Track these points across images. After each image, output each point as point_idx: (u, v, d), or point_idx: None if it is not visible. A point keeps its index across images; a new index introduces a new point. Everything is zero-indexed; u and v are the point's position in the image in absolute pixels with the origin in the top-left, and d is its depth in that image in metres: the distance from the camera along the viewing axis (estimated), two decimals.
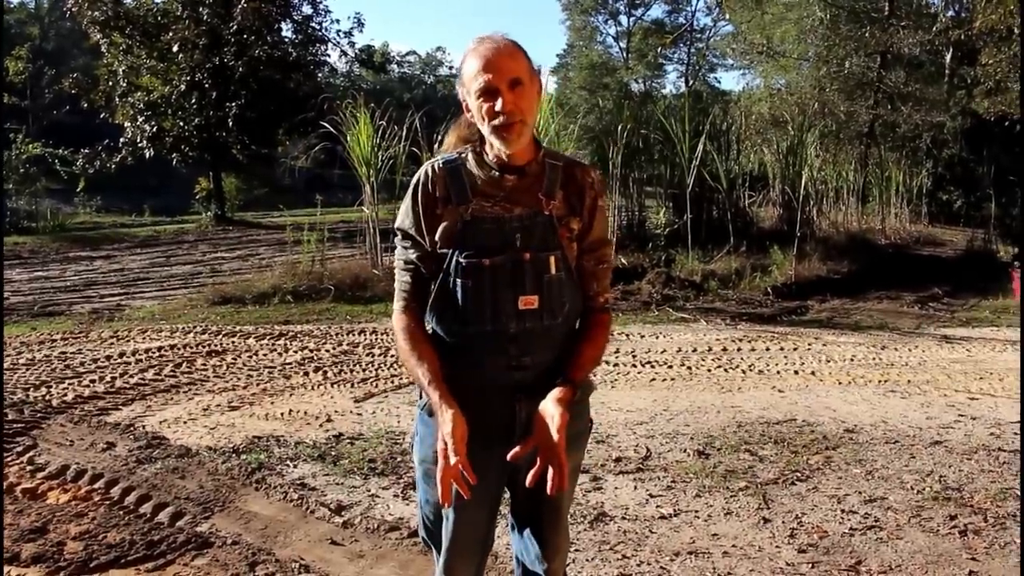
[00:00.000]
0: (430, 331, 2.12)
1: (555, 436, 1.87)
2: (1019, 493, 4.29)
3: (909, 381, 6.92)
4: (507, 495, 2.31)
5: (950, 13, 23.82)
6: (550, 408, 1.92)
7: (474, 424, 1.93)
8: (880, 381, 6.92)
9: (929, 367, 7.52)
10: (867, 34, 23.27)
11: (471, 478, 1.88)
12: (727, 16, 31.90)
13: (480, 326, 2.03)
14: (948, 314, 11.14)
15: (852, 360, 7.78)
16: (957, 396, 6.45)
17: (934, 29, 21.88)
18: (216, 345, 8.10)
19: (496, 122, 1.96)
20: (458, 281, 2.03)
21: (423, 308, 2.13)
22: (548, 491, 1.87)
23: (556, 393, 1.95)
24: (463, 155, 2.11)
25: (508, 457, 1.94)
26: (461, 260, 2.02)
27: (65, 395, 6.16)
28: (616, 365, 7.43)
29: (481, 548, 2.26)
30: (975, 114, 23.09)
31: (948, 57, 26.03)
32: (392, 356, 7.58)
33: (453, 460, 1.85)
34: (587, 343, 2.14)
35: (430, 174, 2.09)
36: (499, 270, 2.02)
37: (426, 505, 2.25)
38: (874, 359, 7.86)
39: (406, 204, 2.12)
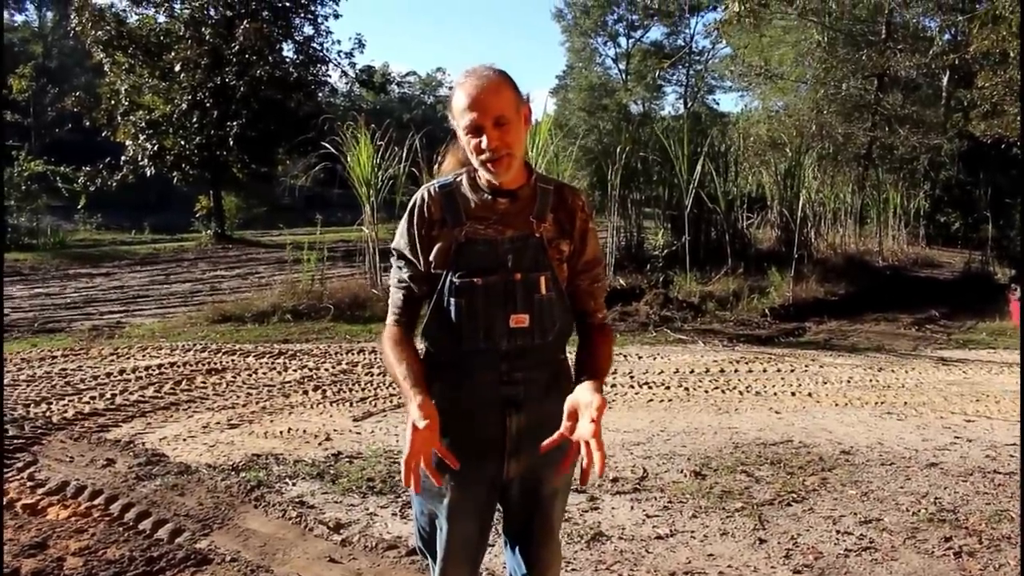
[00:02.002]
0: (423, 349, 2.20)
1: (592, 422, 1.86)
2: (1014, 515, 4.32)
3: (905, 403, 6.95)
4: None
5: (946, 37, 23.96)
6: (586, 396, 1.93)
7: (466, 438, 2.04)
8: (876, 403, 6.95)
9: (925, 389, 7.55)
10: (864, 57, 23.41)
11: (452, 463, 1.93)
12: (725, 39, 32.11)
13: (473, 343, 2.11)
14: (945, 336, 11.17)
15: (849, 382, 7.81)
16: (953, 418, 6.48)
17: (931, 52, 22.01)
18: (216, 363, 8.13)
19: (483, 157, 2.04)
20: (451, 300, 2.10)
21: (412, 324, 2.22)
22: (598, 473, 1.84)
23: (588, 384, 1.97)
24: (458, 179, 2.18)
25: (541, 448, 1.96)
26: (455, 280, 2.10)
27: (65, 411, 6.19)
28: (614, 386, 7.45)
29: (474, 556, 2.31)
30: (972, 137, 23.15)
31: (945, 80, 26.18)
32: (389, 377, 7.59)
33: (422, 424, 1.87)
34: (599, 348, 2.20)
35: (426, 198, 2.17)
36: (491, 289, 2.09)
37: (421, 516, 2.31)
38: (871, 381, 7.89)
39: (402, 226, 2.19)
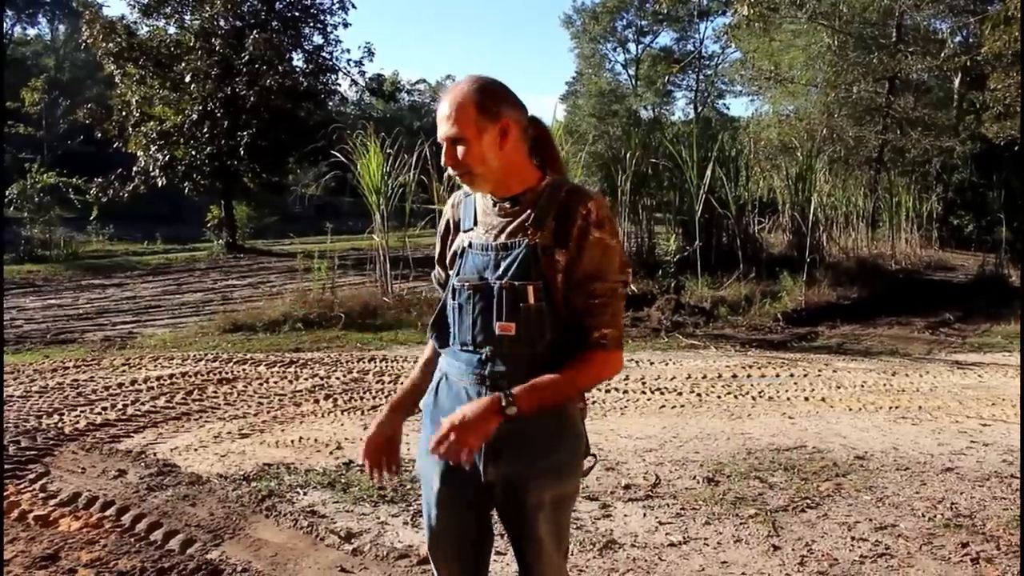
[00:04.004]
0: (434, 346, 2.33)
1: (445, 426, 1.94)
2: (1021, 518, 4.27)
3: (920, 407, 6.90)
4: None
5: (958, 39, 23.89)
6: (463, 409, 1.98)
7: None
8: (891, 407, 6.90)
9: (940, 393, 7.49)
10: (875, 60, 23.37)
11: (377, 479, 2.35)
12: (735, 43, 32.06)
13: (463, 344, 2.17)
14: (959, 339, 11.10)
15: (862, 386, 7.76)
16: (969, 422, 6.42)
17: (942, 55, 21.94)
18: (227, 373, 8.14)
19: (450, 172, 2.14)
20: (450, 301, 2.20)
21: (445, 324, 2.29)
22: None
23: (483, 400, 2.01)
24: None
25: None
26: (454, 282, 2.18)
27: (77, 423, 6.20)
28: (625, 392, 7.42)
29: (458, 549, 2.30)
30: (984, 139, 23.09)
31: (957, 82, 26.08)
32: (402, 383, 7.59)
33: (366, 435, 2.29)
34: (560, 371, 2.06)
35: (450, 203, 2.32)
36: (479, 294, 2.12)
37: (425, 504, 2.35)
38: (885, 385, 7.83)
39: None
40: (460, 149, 2.07)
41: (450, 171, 2.12)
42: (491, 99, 2.08)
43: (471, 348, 2.14)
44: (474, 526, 2.28)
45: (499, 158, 2.10)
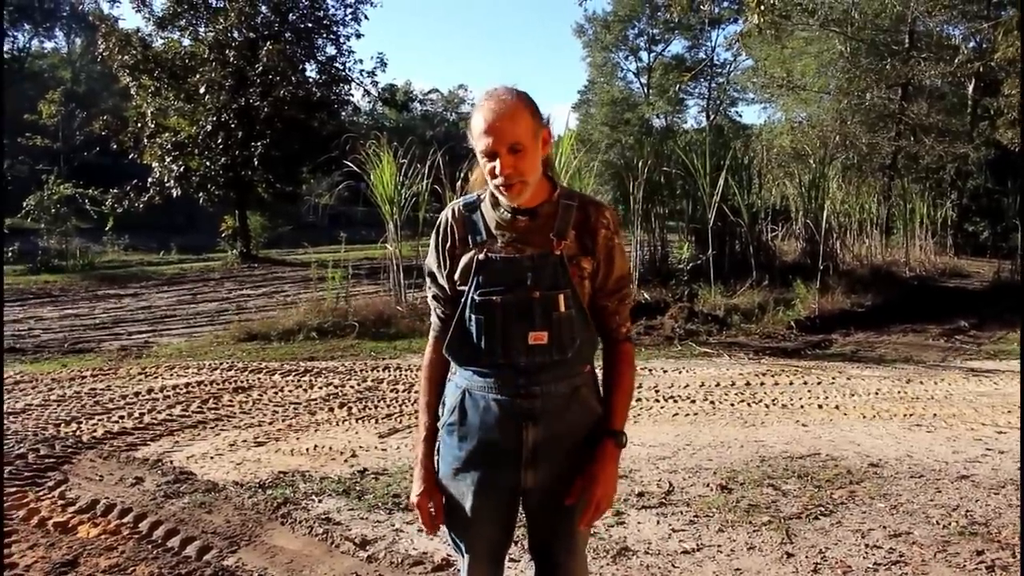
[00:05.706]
0: (449, 361, 2.28)
1: (597, 505, 2.18)
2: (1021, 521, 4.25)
3: (935, 415, 6.86)
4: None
5: (971, 45, 23.79)
6: (598, 472, 2.19)
7: (484, 447, 2.18)
8: (905, 415, 6.87)
9: (955, 400, 7.45)
10: (888, 66, 23.31)
11: (438, 522, 2.29)
12: (746, 51, 32.05)
13: (492, 358, 2.15)
14: (974, 346, 11.03)
15: (877, 394, 7.73)
16: (984, 430, 6.39)
17: (955, 61, 21.86)
18: (242, 381, 8.19)
19: (496, 182, 2.09)
20: (472, 316, 2.15)
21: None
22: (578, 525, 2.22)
23: (607, 452, 2.21)
24: (481, 196, 2.23)
25: (566, 502, 2.20)
26: (475, 296, 2.14)
27: (95, 431, 6.26)
28: (639, 400, 7.42)
29: (497, 555, 2.37)
30: (999, 145, 22.99)
31: (970, 88, 25.97)
32: (416, 392, 7.63)
33: (414, 500, 2.27)
34: (617, 387, 2.28)
35: (449, 217, 2.24)
36: (509, 307, 2.13)
37: (451, 512, 2.35)
38: (899, 392, 7.80)
39: (431, 245, 2.29)
40: (518, 156, 2.06)
41: (499, 181, 2.07)
42: (536, 107, 2.13)
43: (500, 360, 2.14)
44: (506, 533, 2.34)
45: (539, 168, 2.15)
